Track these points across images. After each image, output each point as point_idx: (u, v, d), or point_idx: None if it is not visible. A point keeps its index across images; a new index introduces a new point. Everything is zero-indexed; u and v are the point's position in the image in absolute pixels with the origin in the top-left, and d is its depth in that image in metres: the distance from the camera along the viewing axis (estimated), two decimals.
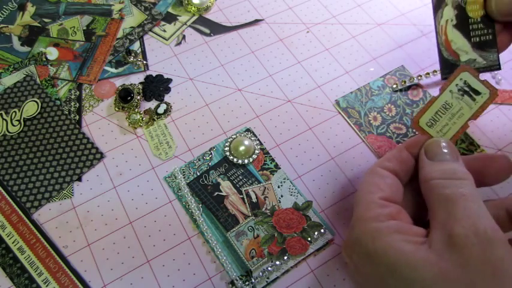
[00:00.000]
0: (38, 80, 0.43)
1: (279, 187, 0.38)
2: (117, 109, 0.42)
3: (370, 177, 0.30)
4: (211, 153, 0.39)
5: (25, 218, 0.36)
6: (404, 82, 0.43)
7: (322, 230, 0.35)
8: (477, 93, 0.31)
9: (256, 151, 0.39)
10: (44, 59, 0.44)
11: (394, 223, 0.27)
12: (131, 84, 0.42)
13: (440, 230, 0.25)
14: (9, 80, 0.43)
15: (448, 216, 0.25)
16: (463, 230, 0.24)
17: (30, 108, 0.41)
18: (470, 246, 0.23)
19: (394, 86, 0.44)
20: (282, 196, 0.37)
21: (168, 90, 0.43)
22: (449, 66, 0.39)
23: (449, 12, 0.38)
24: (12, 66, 0.44)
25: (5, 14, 0.48)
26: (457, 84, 0.32)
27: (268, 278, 0.34)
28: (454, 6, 0.37)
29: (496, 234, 0.24)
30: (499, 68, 0.37)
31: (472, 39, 0.37)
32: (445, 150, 0.30)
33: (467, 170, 0.28)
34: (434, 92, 0.44)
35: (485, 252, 0.23)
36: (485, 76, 0.46)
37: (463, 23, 0.37)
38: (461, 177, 0.27)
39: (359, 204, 0.29)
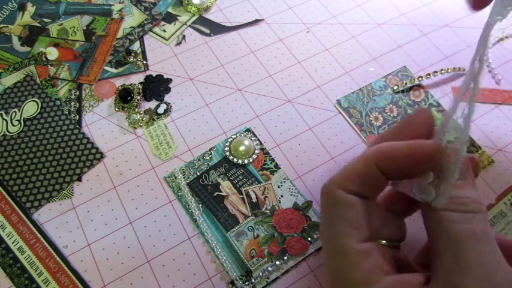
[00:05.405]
0: (38, 80, 0.43)
1: (279, 187, 0.38)
2: (117, 109, 0.42)
3: (334, 210, 0.24)
4: (211, 153, 0.39)
5: (25, 218, 0.36)
6: (405, 83, 0.43)
7: None
8: None
9: (256, 151, 0.39)
10: (44, 59, 0.44)
11: (392, 281, 0.22)
12: (131, 84, 0.42)
13: (445, 281, 0.22)
14: (9, 80, 0.43)
15: (456, 263, 0.21)
16: (475, 283, 0.21)
17: (30, 108, 0.41)
18: None
19: (395, 87, 0.44)
20: (282, 196, 0.37)
21: (168, 90, 0.43)
22: None
23: None
24: (12, 66, 0.44)
25: (5, 14, 0.48)
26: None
27: (268, 278, 0.34)
28: None
29: None
30: None
31: None
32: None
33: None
34: (436, 92, 0.44)
35: None
36: (485, 75, 0.46)
37: None
38: (472, 209, 0.22)
39: (336, 258, 0.23)
